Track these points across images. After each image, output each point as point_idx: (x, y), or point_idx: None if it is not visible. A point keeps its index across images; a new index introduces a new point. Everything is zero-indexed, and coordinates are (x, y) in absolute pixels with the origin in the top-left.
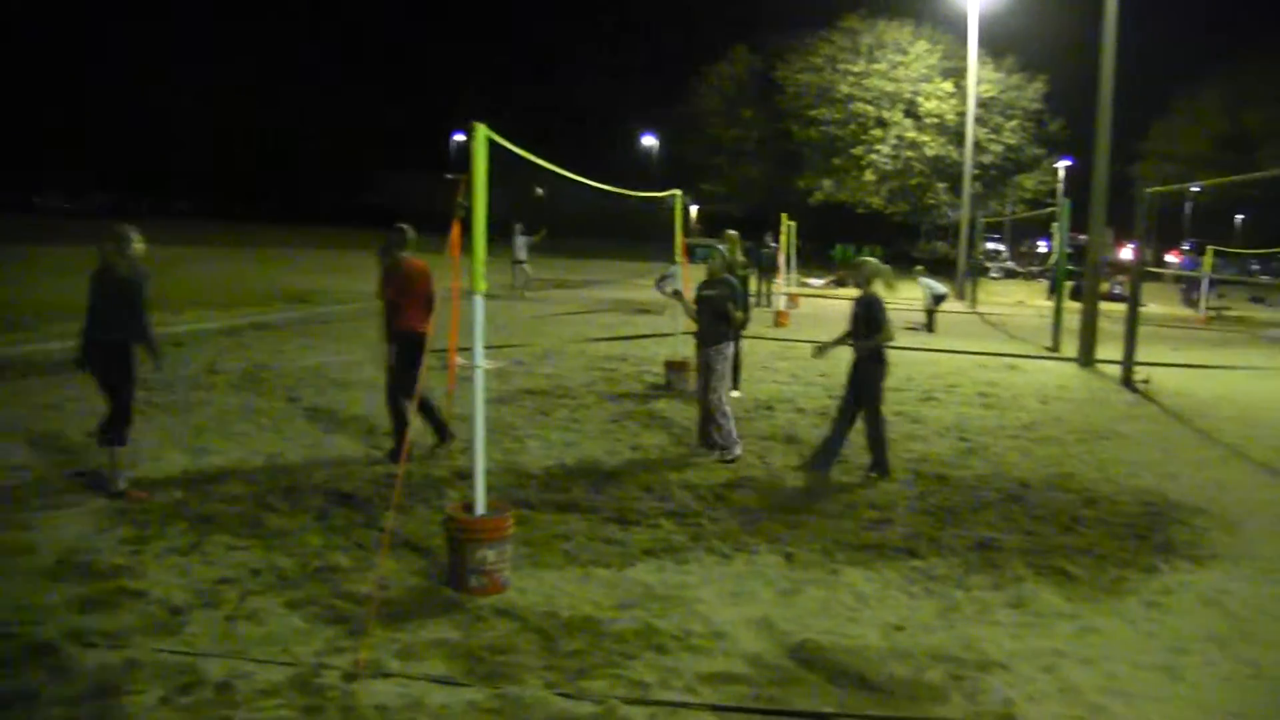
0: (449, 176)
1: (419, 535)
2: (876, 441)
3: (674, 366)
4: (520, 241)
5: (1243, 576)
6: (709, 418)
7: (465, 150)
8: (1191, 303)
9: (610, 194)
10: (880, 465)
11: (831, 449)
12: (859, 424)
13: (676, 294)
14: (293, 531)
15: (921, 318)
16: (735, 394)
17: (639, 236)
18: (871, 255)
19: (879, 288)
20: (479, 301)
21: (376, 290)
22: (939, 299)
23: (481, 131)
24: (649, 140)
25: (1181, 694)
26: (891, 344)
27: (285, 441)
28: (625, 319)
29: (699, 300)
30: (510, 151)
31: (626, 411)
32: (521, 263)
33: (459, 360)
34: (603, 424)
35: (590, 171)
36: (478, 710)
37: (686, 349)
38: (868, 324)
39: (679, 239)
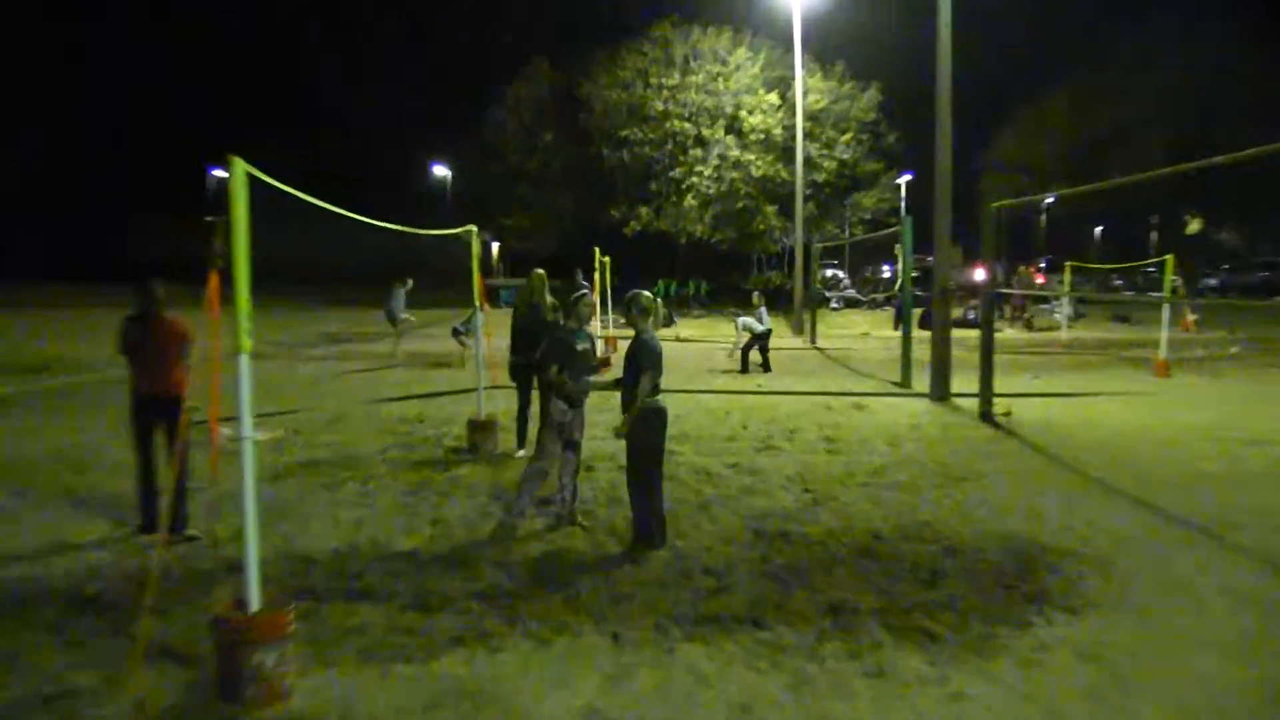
0: (208, 219)
1: (182, 642)
2: (645, 512)
3: (478, 427)
4: (400, 297)
5: (1121, 624)
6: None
7: (224, 189)
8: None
9: (398, 234)
10: (648, 535)
11: (646, 523)
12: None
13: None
14: (19, 652)
15: (739, 358)
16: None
17: (439, 281)
18: (697, 289)
19: (650, 324)
20: (244, 362)
21: (115, 348)
22: (761, 336)
23: (240, 167)
24: (441, 171)
25: None
26: (656, 393)
27: (12, 540)
28: (421, 375)
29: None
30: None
31: (425, 481)
32: (400, 320)
33: (224, 431)
34: (398, 497)
35: (381, 210)
36: None
37: (491, 406)
38: (636, 368)
39: (477, 281)
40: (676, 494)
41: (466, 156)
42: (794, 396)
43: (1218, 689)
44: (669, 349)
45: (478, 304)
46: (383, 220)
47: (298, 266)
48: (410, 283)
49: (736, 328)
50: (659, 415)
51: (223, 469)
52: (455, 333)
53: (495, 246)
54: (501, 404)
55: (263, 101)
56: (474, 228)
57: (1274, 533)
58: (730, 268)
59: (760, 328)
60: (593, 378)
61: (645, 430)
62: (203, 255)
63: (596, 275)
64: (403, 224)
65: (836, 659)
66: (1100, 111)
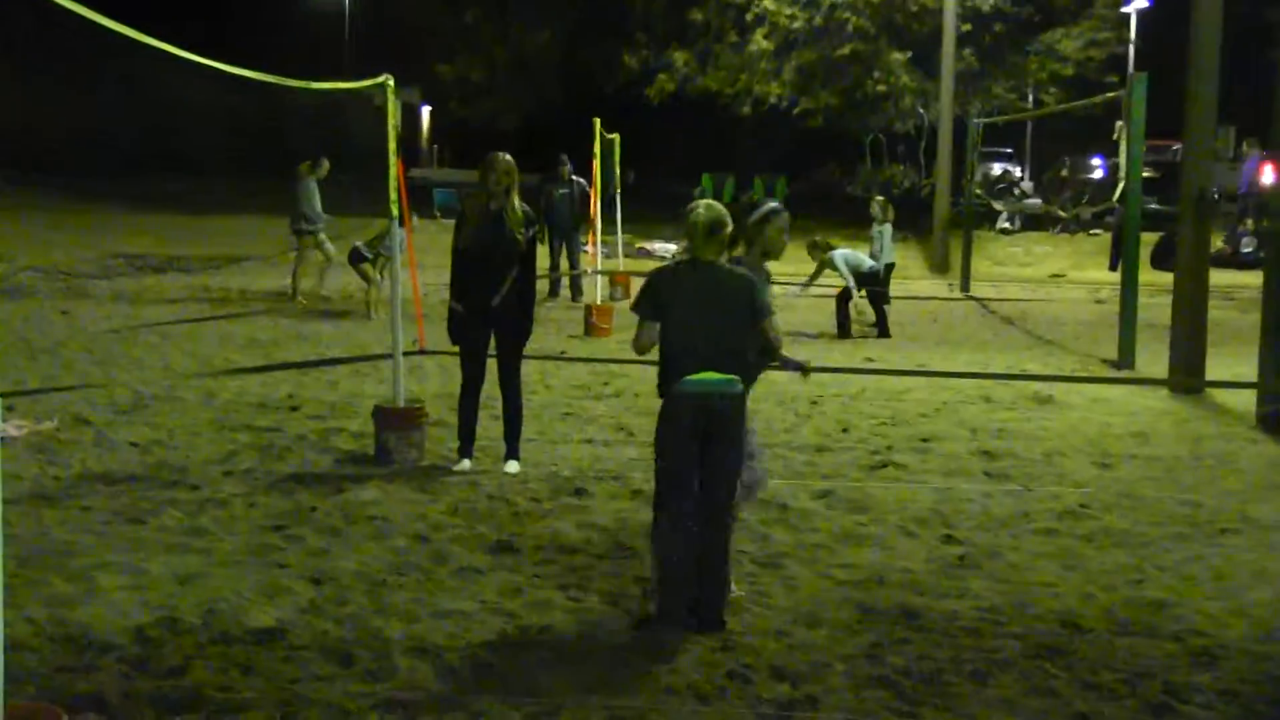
0: None
1: None
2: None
3: (391, 418)
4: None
5: None
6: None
7: None
8: None
9: (269, 88)
10: (670, 608)
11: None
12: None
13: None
14: None
15: (842, 316)
16: (512, 467)
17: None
18: (770, 190)
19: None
20: None
21: None
22: (870, 277)
23: None
24: None
25: None
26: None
27: None
28: (297, 327)
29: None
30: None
31: (300, 510)
32: (308, 231)
33: None
34: (252, 536)
35: (230, 52)
36: None
37: (416, 383)
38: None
39: (394, 172)
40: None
41: None
42: (931, 380)
43: None
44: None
45: (395, 212)
46: (242, 69)
47: (82, 144)
48: (326, 166)
49: (836, 266)
50: (684, 407)
51: None
52: (356, 258)
53: (426, 113)
54: (434, 379)
55: None
56: (389, 79)
57: None
58: (827, 157)
59: (871, 264)
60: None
61: (664, 432)
62: None
63: (597, 165)
64: (270, 72)
65: None
66: None
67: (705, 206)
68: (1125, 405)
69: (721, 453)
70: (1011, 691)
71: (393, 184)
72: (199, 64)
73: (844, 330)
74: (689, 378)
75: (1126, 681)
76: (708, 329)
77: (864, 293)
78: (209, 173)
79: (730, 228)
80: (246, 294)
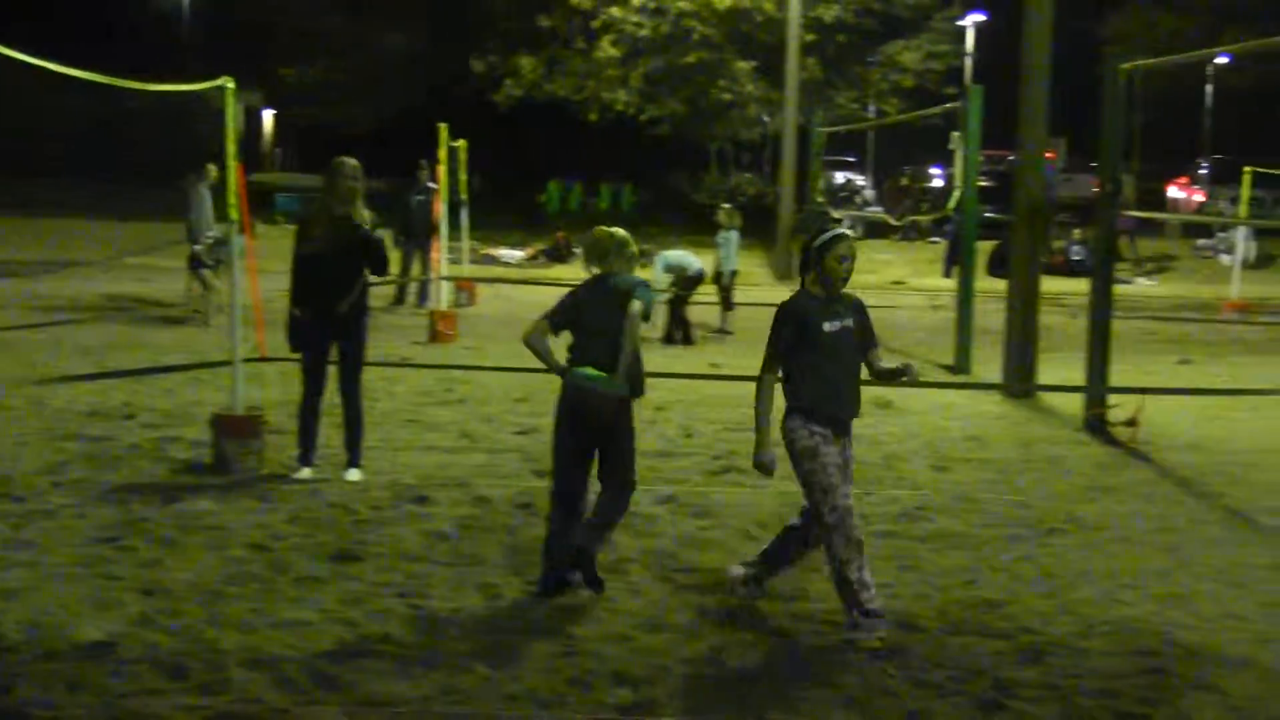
0: None
1: None
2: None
3: (230, 426)
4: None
5: None
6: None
7: None
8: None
9: (102, 90)
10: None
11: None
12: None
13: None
14: None
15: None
16: (354, 475)
17: (164, 173)
18: (618, 197)
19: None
20: None
21: None
22: (692, 283)
23: None
24: None
25: None
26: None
27: None
28: (133, 332)
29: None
30: None
31: (135, 521)
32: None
33: None
34: (85, 547)
35: (69, 54)
36: None
37: (256, 391)
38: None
39: (234, 176)
40: None
41: None
42: None
43: None
44: (549, 300)
45: (234, 216)
46: (77, 70)
47: None
48: (214, 173)
49: (656, 270)
50: (566, 396)
51: None
52: (195, 264)
53: (269, 117)
54: (274, 387)
55: None
56: (229, 82)
57: None
58: (674, 165)
59: (697, 267)
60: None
61: (556, 417)
62: None
63: (443, 171)
64: (103, 74)
65: None
66: None
67: (611, 231)
68: (961, 409)
69: (605, 440)
70: (850, 692)
71: (232, 188)
72: (27, 63)
73: (685, 335)
74: (575, 370)
75: (958, 679)
76: (599, 331)
77: (673, 294)
78: (39, 175)
79: (633, 246)
80: (78, 300)
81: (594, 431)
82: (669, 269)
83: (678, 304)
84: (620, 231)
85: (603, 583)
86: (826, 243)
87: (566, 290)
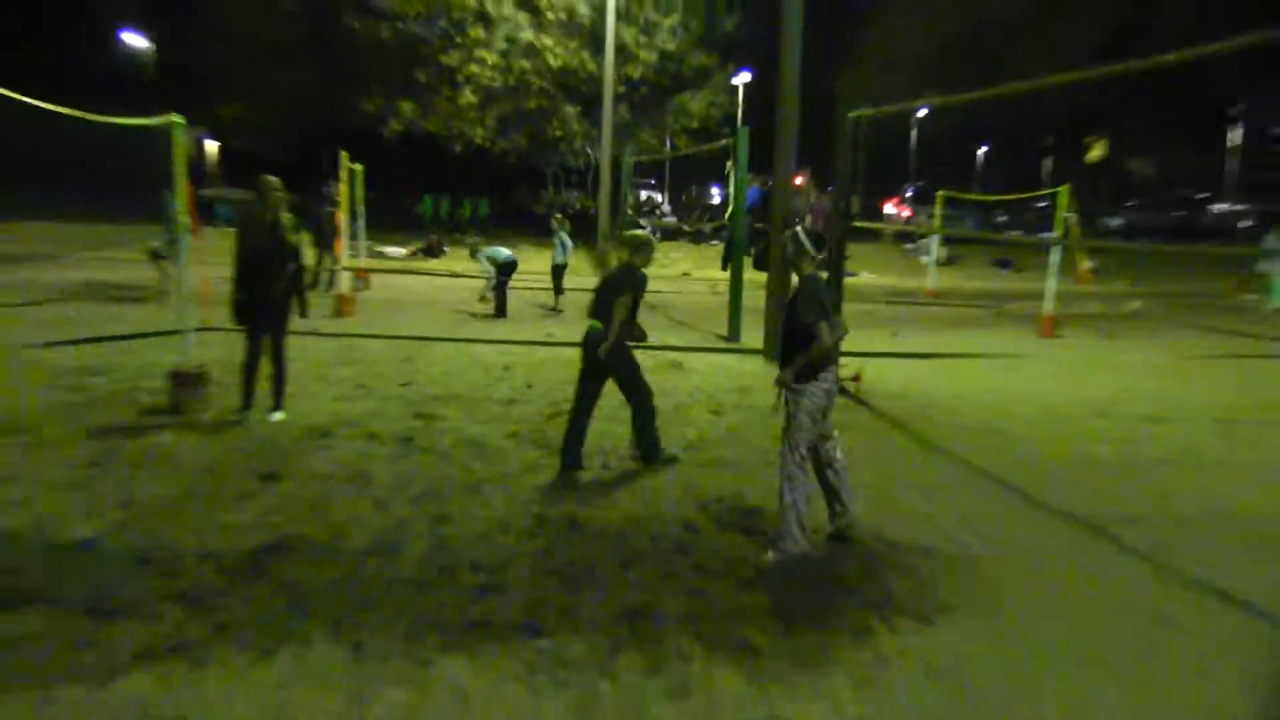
0: None
1: None
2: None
3: (184, 380)
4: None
5: (980, 635)
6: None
7: None
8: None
9: (69, 122)
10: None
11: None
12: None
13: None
14: None
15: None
16: (277, 416)
17: (130, 188)
18: (475, 209)
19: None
20: None
21: None
22: (508, 269)
23: None
24: (136, 41)
25: None
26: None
27: None
28: (105, 310)
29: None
30: None
31: (110, 450)
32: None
33: None
34: (71, 471)
35: (45, 90)
36: None
37: (203, 353)
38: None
39: (181, 189)
40: (442, 471)
41: (176, 21)
42: None
43: (1091, 710)
44: (426, 286)
45: (183, 218)
46: (51, 104)
47: None
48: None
49: (481, 261)
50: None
51: None
52: (157, 256)
53: (212, 146)
54: (216, 350)
55: None
56: (179, 118)
57: (1171, 530)
58: (519, 184)
59: (506, 255)
60: None
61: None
62: None
63: (344, 187)
64: (86, 111)
65: (634, 675)
66: None
67: (634, 233)
68: (733, 369)
69: (599, 366)
70: (646, 574)
71: (181, 201)
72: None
73: (500, 310)
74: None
75: (727, 566)
76: (599, 298)
77: (494, 279)
78: (26, 186)
79: (649, 246)
80: (59, 284)
81: (588, 360)
82: (489, 259)
83: (500, 285)
84: (645, 234)
85: (662, 454)
86: (640, 244)
87: (428, 278)
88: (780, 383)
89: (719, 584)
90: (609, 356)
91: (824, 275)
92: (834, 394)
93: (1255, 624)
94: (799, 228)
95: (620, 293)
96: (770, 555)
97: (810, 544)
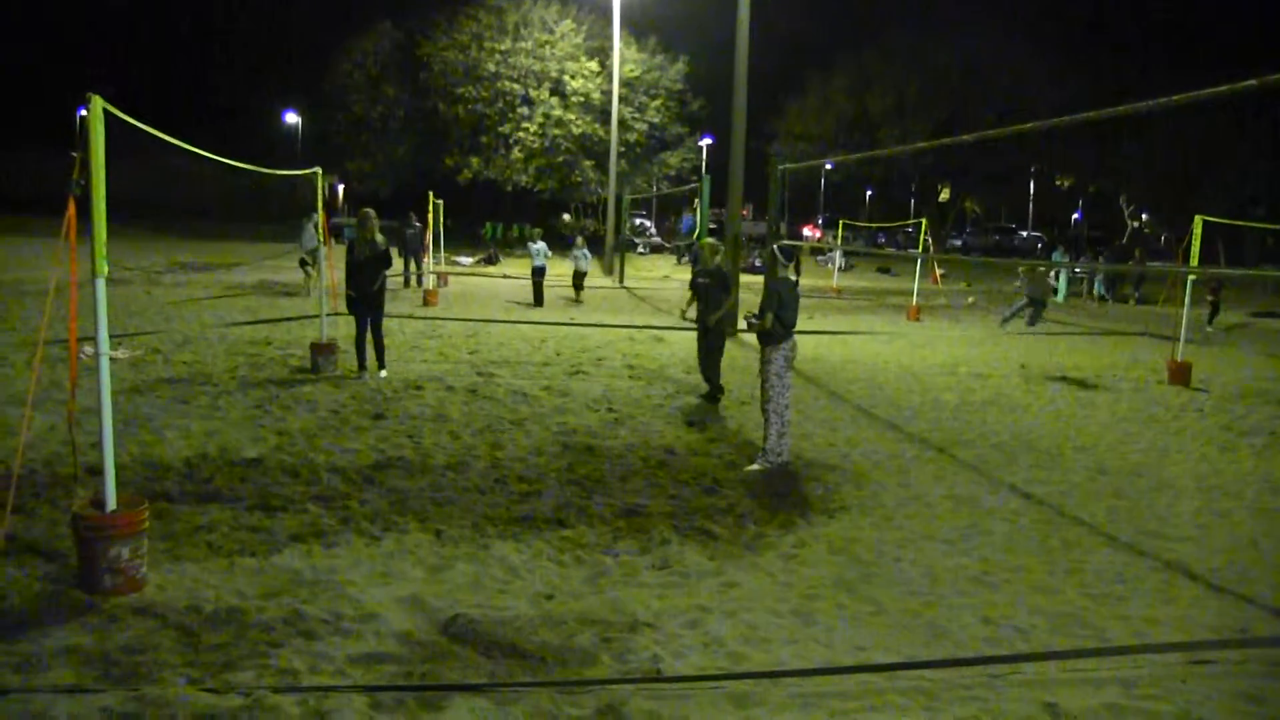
0: (73, 154)
1: (45, 538)
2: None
3: (319, 349)
4: (310, 231)
5: (867, 524)
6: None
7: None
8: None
9: (249, 173)
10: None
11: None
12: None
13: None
14: None
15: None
16: (383, 374)
17: (283, 218)
18: (521, 231)
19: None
20: (100, 285)
21: None
22: (539, 271)
23: (98, 104)
24: (292, 118)
25: (814, 636)
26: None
27: None
28: (268, 301)
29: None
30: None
31: (271, 396)
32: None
33: (86, 349)
34: (246, 410)
35: (232, 152)
36: (113, 716)
37: (333, 331)
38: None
39: (321, 217)
40: (495, 412)
41: (316, 105)
42: (603, 329)
43: (938, 571)
44: (487, 285)
45: (321, 239)
46: (237, 161)
47: (159, 203)
48: (317, 217)
49: (530, 252)
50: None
51: (85, 384)
52: (303, 264)
53: (340, 188)
54: (342, 329)
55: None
56: (319, 169)
57: (992, 450)
58: (551, 214)
59: (540, 263)
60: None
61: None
62: (64, 186)
63: (430, 216)
64: (259, 166)
65: (629, 554)
66: (878, 91)
67: (712, 243)
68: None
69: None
70: (639, 484)
71: (321, 226)
72: (215, 159)
73: (538, 300)
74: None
75: (695, 478)
76: (710, 290)
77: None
78: (216, 216)
79: (722, 252)
80: (241, 285)
81: (702, 332)
82: (537, 253)
83: (536, 283)
84: (717, 242)
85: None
86: (717, 247)
87: (502, 279)
88: (748, 322)
89: (689, 490)
90: (716, 325)
91: (793, 277)
92: (792, 358)
93: (1043, 510)
94: (775, 245)
95: (727, 289)
96: (755, 466)
97: (788, 458)
